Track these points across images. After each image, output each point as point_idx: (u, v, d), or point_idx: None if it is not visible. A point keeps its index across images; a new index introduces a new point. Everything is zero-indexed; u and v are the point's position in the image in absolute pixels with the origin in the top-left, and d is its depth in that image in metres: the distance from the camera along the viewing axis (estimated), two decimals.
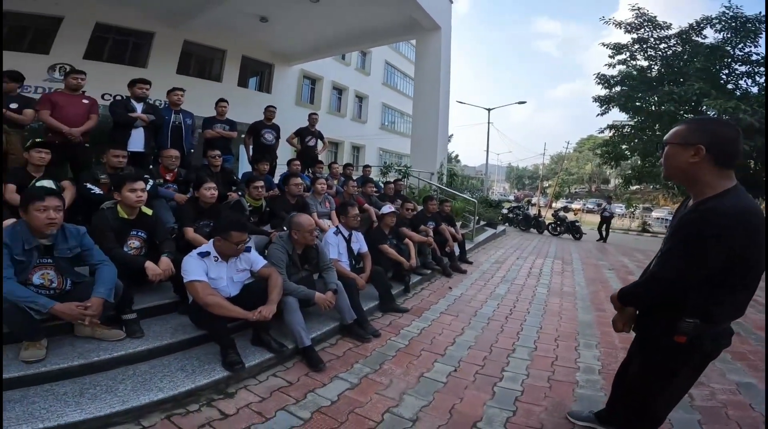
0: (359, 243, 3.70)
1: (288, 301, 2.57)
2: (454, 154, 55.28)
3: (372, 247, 4.10)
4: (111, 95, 9.11)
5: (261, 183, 3.90)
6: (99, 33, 9.59)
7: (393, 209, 4.39)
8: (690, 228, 1.18)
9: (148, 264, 2.57)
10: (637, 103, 11.71)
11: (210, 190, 3.30)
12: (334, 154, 17.43)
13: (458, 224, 7.67)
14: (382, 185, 7.17)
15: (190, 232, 3.11)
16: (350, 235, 3.59)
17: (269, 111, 5.87)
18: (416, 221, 5.40)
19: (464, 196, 8.94)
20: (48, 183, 3.08)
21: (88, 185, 3.31)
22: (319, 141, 6.70)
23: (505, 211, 14.05)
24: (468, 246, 7.09)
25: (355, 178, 7.03)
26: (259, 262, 2.63)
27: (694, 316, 1.21)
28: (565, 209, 15.43)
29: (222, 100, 5.29)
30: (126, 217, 2.80)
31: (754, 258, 1.15)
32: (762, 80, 10.21)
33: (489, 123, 20.76)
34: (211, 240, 2.53)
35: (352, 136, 17.82)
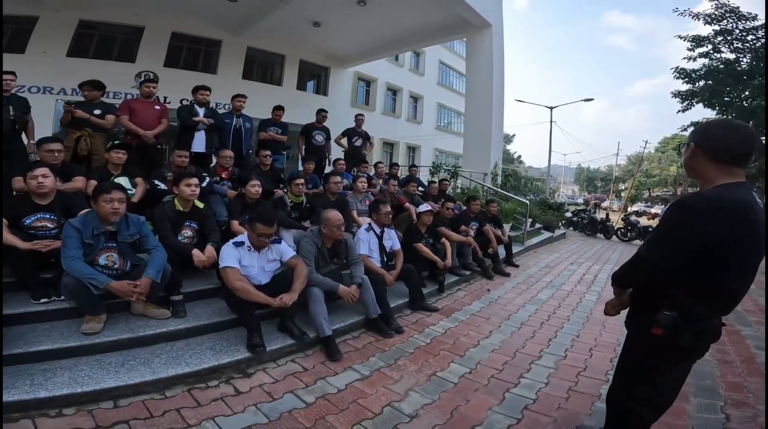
0: (392, 240, 3.77)
1: (313, 292, 2.74)
2: (515, 155, 53.07)
3: (407, 246, 4.18)
4: (188, 100, 10.26)
5: (301, 181, 4.15)
6: (175, 42, 10.70)
7: (429, 208, 4.40)
8: (668, 212, 1.24)
9: (195, 251, 2.90)
10: (726, 98, 10.46)
11: (254, 187, 3.61)
12: (389, 155, 17.68)
13: (508, 226, 7.44)
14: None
15: (235, 224, 3.43)
16: (382, 232, 3.68)
17: (320, 115, 6.18)
18: (457, 221, 5.35)
19: (517, 197, 8.57)
20: (124, 180, 3.57)
21: (156, 181, 3.77)
22: (366, 141, 6.85)
23: (569, 214, 13.25)
24: (517, 249, 6.86)
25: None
26: (288, 253, 2.83)
27: (672, 309, 1.23)
28: (638, 213, 14.14)
29: (278, 107, 5.69)
30: (181, 209, 3.16)
31: (738, 252, 1.14)
32: None
33: (551, 122, 19.64)
34: None
35: (407, 136, 17.93)
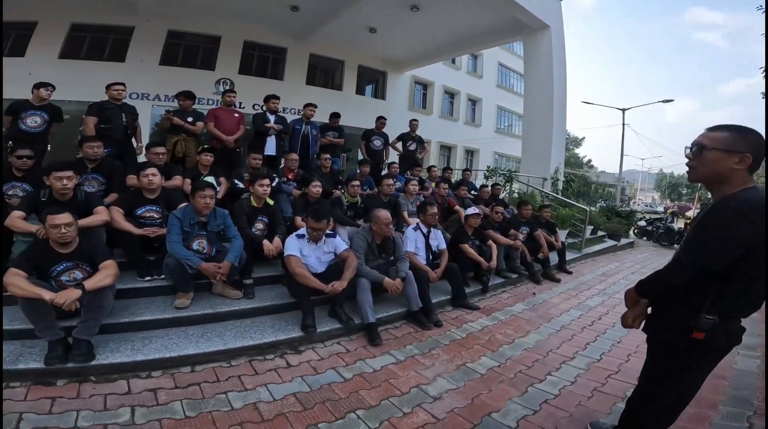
0: (438, 240, 4.01)
1: (361, 282, 3.09)
2: (585, 159, 49.78)
3: (454, 246, 4.39)
4: (260, 105, 11.25)
5: (357, 182, 4.52)
6: (247, 50, 11.70)
7: (477, 211, 4.56)
8: (713, 215, 1.27)
9: (265, 241, 3.40)
10: None
11: (316, 187, 4.06)
12: (446, 158, 17.72)
13: (564, 232, 7.28)
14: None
15: (298, 220, 3.90)
16: (429, 232, 3.93)
17: (379, 122, 6.58)
18: (507, 225, 5.43)
19: (576, 203, 8.28)
20: (210, 179, 4.22)
21: (235, 181, 4.39)
22: (420, 145, 7.11)
23: (642, 222, 12.40)
24: (573, 256, 6.71)
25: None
26: (341, 246, 3.21)
27: (713, 312, 1.27)
28: None
29: (335, 115, 6.17)
30: (255, 205, 3.70)
31: (764, 250, 1.21)
32: None
33: (624, 124, 18.32)
34: None
35: (465, 139, 17.84)
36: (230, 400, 2.07)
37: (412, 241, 3.79)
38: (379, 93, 14.58)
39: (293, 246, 3.01)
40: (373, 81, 14.62)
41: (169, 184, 3.81)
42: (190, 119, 4.68)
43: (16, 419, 1.76)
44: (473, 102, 18.35)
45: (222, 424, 1.85)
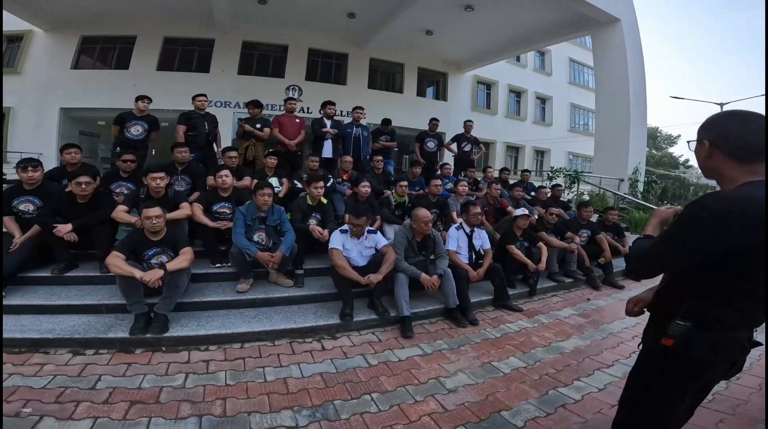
0: (482, 240, 4.04)
1: (399, 277, 3.27)
2: (681, 159, 44.08)
3: (501, 247, 4.38)
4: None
5: (404, 183, 4.70)
6: (312, 57, 12.50)
7: (525, 212, 4.48)
8: (687, 212, 1.11)
9: (312, 226, 3.76)
10: None
11: (364, 187, 4.34)
12: (513, 159, 17.17)
13: (635, 237, 6.73)
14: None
15: (347, 217, 4.19)
16: (472, 231, 3.98)
17: (432, 123, 6.72)
18: (564, 227, 5.22)
19: (654, 206, 7.58)
20: (274, 180, 4.71)
21: (295, 181, 4.85)
22: (475, 146, 7.08)
23: None
24: None
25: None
26: (381, 242, 3.44)
27: (687, 319, 1.15)
28: None
29: (386, 121, 6.42)
30: (310, 203, 4.08)
31: (757, 256, 1.03)
32: None
33: None
34: None
35: (535, 139, 17.10)
36: (266, 373, 2.40)
37: (454, 240, 3.87)
38: (441, 94, 14.61)
39: (336, 240, 3.30)
40: (433, 82, 14.70)
41: (239, 184, 4.36)
42: (258, 126, 5.26)
43: (96, 380, 2.24)
44: (542, 100, 17.51)
45: (253, 393, 2.18)
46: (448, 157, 7.32)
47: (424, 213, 3.47)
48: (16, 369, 2.31)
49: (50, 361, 2.44)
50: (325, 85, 12.39)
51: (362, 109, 5.99)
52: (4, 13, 9.27)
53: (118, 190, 4.11)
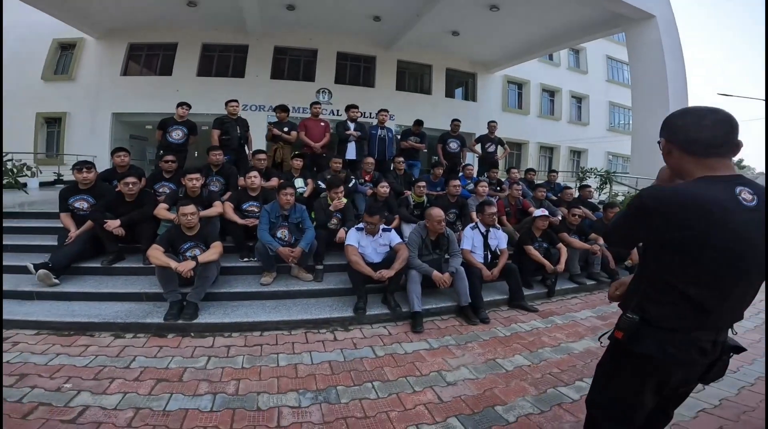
0: (498, 240, 4.08)
1: (411, 274, 3.41)
2: (735, 159, 40.90)
3: (519, 247, 4.40)
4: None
5: (422, 184, 4.81)
6: (341, 60, 12.74)
7: (544, 213, 4.46)
8: (630, 202, 1.15)
9: (341, 231, 3.96)
10: None
11: (383, 188, 4.50)
12: (548, 160, 16.73)
13: None
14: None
15: (366, 217, 4.37)
16: (488, 231, 4.03)
17: (454, 124, 6.76)
18: (588, 229, 5.14)
19: None
20: (300, 181, 4.99)
21: (319, 182, 5.08)
22: (499, 147, 7.06)
23: None
24: None
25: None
26: (395, 240, 3.58)
27: (635, 312, 1.15)
28: None
29: (418, 122, 6.55)
30: (330, 203, 4.30)
31: (696, 254, 1.01)
32: None
33: None
34: None
35: (570, 139, 16.57)
36: (279, 359, 2.62)
37: (469, 240, 3.95)
38: (470, 95, 14.50)
39: (352, 237, 3.48)
40: (462, 83, 14.61)
41: (267, 184, 4.64)
42: (286, 129, 5.56)
43: (131, 360, 2.55)
44: (578, 99, 16.93)
45: (265, 376, 2.40)
46: (472, 158, 7.36)
47: (437, 212, 3.57)
48: (64, 349, 2.67)
49: (94, 343, 2.78)
50: (354, 88, 12.63)
51: (387, 111, 6.16)
52: (57, 21, 10.12)
53: (161, 190, 4.51)
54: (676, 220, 1.01)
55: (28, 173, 7.68)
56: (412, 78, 13.82)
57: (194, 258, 3.20)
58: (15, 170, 5.64)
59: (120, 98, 11.24)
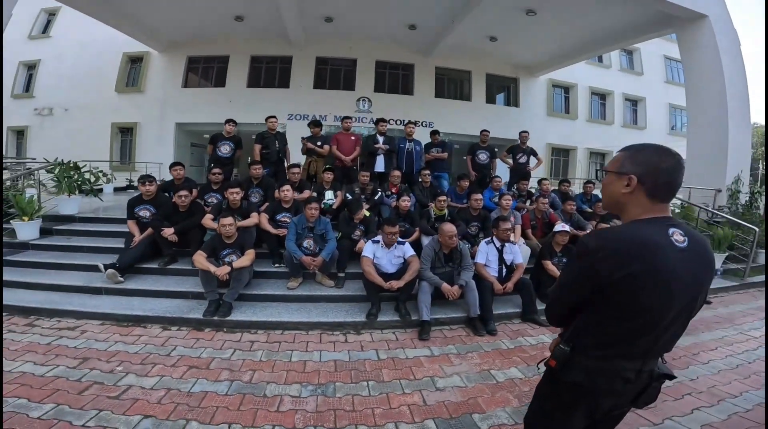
0: (513, 255, 4.17)
1: (422, 285, 3.64)
2: None
3: (539, 261, 4.45)
4: (394, 121, 12.46)
5: (443, 197, 4.92)
6: (379, 69, 12.95)
7: (565, 229, 4.45)
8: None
9: (360, 243, 4.29)
10: None
11: (404, 202, 4.75)
12: (600, 166, 15.93)
13: (721, 256, 6.08)
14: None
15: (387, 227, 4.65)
16: (503, 246, 4.14)
17: (483, 134, 6.82)
18: None
19: (741, 222, 6.61)
20: (330, 193, 5.37)
21: (347, 194, 5.44)
22: (531, 157, 6.99)
23: None
24: (730, 284, 5.80)
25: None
26: (409, 252, 3.84)
27: (568, 342, 1.19)
28: None
29: (435, 132, 6.72)
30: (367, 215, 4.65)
31: (642, 291, 1.04)
32: None
33: None
34: None
35: (623, 144, 15.59)
36: (292, 356, 3.00)
37: (484, 254, 4.08)
38: (512, 100, 14.19)
39: (368, 249, 3.79)
40: (503, 88, 14.33)
41: (300, 196, 5.07)
42: (318, 143, 5.98)
43: (172, 349, 3.05)
44: (633, 102, 15.94)
45: (277, 369, 2.79)
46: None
47: (448, 228, 3.77)
48: (122, 338, 3.24)
49: (145, 333, 3.35)
50: (393, 96, 12.87)
51: (414, 123, 6.37)
52: (126, 36, 11.14)
53: (209, 200, 5.12)
54: (620, 259, 1.04)
55: (104, 180, 8.83)
56: (451, 84, 13.78)
57: (230, 263, 3.68)
58: (92, 179, 6.55)
59: (181, 109, 12.28)
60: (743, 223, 6.61)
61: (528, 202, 6.12)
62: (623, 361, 1.14)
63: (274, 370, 2.76)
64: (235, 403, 2.34)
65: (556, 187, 6.86)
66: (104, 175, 8.83)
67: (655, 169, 1.09)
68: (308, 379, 2.66)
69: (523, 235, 5.28)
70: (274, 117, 6.02)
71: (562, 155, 15.00)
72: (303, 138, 6.11)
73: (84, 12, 9.68)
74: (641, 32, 9.75)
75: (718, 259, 6.21)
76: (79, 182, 6.01)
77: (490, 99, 13.93)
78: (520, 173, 6.86)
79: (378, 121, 6.14)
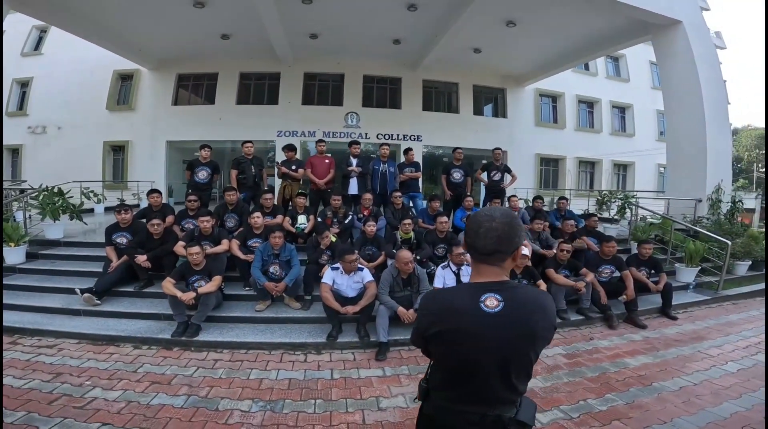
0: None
1: (380, 309, 3.82)
2: None
3: None
4: (383, 135, 12.65)
5: (408, 221, 5.03)
6: (367, 83, 13.09)
7: (524, 251, 4.54)
8: None
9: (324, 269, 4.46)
10: None
11: (370, 227, 4.89)
12: (589, 175, 16.07)
13: (693, 271, 6.19)
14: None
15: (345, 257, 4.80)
16: (459, 270, 4.27)
17: (457, 152, 6.88)
18: (585, 263, 5.15)
19: (715, 235, 6.66)
20: (302, 218, 5.52)
21: (319, 218, 5.59)
22: (506, 175, 7.11)
23: None
24: (702, 298, 5.87)
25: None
26: (367, 277, 4.01)
27: (425, 379, 1.33)
28: None
29: (408, 149, 6.85)
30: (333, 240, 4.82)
31: (451, 349, 1.17)
32: None
33: None
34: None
35: (614, 153, 15.77)
36: (251, 374, 3.23)
37: (441, 278, 4.21)
38: (500, 111, 14.36)
39: (327, 276, 3.97)
40: (491, 99, 14.49)
41: (272, 222, 5.24)
42: (293, 167, 6.17)
43: (139, 366, 3.27)
44: (621, 109, 16.11)
45: (234, 385, 3.02)
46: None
47: (404, 255, 3.94)
48: (95, 356, 3.52)
49: (117, 352, 3.62)
50: (381, 110, 13.01)
51: (388, 145, 6.49)
52: (114, 58, 11.37)
53: (186, 226, 5.30)
54: (433, 318, 1.19)
55: (95, 200, 9.06)
56: (439, 97, 13.91)
57: (195, 290, 3.88)
58: (79, 202, 6.75)
59: (172, 126, 12.41)
60: (715, 236, 6.69)
61: None
62: (462, 404, 1.21)
63: (231, 387, 2.99)
64: (188, 415, 2.60)
65: (531, 205, 6.96)
66: (95, 195, 9.08)
67: (467, 231, 1.20)
68: (260, 395, 2.88)
69: None
70: (250, 142, 6.20)
71: (551, 165, 15.15)
72: (277, 162, 6.30)
73: (71, 32, 9.87)
74: (619, 40, 9.97)
75: (690, 273, 6.28)
76: (63, 207, 6.22)
77: (478, 111, 14.07)
78: (494, 191, 6.99)
79: (351, 144, 6.31)
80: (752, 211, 18.81)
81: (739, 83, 68.34)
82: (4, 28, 6.96)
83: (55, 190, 6.30)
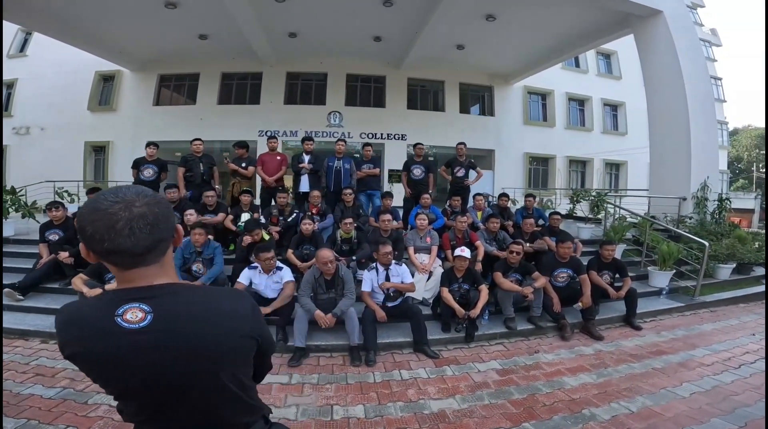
0: (401, 276, 4.02)
1: (298, 311, 3.59)
2: None
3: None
4: (366, 134, 12.45)
5: (349, 220, 4.80)
6: (350, 82, 12.96)
7: (463, 254, 4.26)
8: None
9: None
10: None
11: (306, 225, 4.66)
12: (579, 174, 15.69)
13: (668, 275, 5.83)
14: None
15: (289, 253, 4.59)
16: (386, 270, 3.99)
17: (418, 148, 6.59)
18: (531, 267, 4.78)
19: (694, 237, 6.28)
20: (246, 216, 5.32)
21: (261, 217, 5.38)
22: (471, 171, 6.82)
23: None
24: (676, 304, 5.42)
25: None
26: (286, 277, 3.78)
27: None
28: None
29: (367, 144, 6.62)
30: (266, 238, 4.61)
31: (99, 380, 0.87)
32: None
33: None
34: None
35: (606, 151, 15.38)
36: None
37: (368, 282, 3.93)
38: (487, 109, 14.08)
39: (244, 275, 3.75)
40: (478, 98, 14.22)
41: (213, 220, 5.09)
42: (243, 165, 5.97)
43: (35, 359, 3.24)
44: (613, 107, 15.71)
45: None
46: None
47: (323, 254, 3.68)
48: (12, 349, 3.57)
49: (23, 345, 3.66)
50: (365, 109, 12.86)
51: (344, 141, 6.25)
52: (97, 59, 11.42)
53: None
54: (63, 335, 0.87)
55: (68, 199, 8.99)
56: (425, 96, 13.70)
57: (103, 286, 3.72)
58: (27, 204, 6.64)
59: (153, 127, 12.33)
60: (692, 236, 6.34)
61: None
62: None
63: None
64: (51, 405, 2.67)
65: (488, 203, 6.65)
66: (69, 194, 9.02)
67: (90, 239, 0.81)
68: None
69: (446, 256, 5.06)
70: (199, 139, 6.03)
71: (540, 164, 14.79)
72: (226, 160, 6.11)
73: (52, 37, 9.97)
74: (602, 33, 9.73)
75: (664, 277, 5.91)
76: (15, 206, 6.13)
77: (465, 109, 13.82)
78: (457, 188, 6.69)
79: (304, 140, 6.11)
80: (752, 211, 18.26)
81: (738, 83, 67.05)
82: None
83: (7, 188, 6.22)
